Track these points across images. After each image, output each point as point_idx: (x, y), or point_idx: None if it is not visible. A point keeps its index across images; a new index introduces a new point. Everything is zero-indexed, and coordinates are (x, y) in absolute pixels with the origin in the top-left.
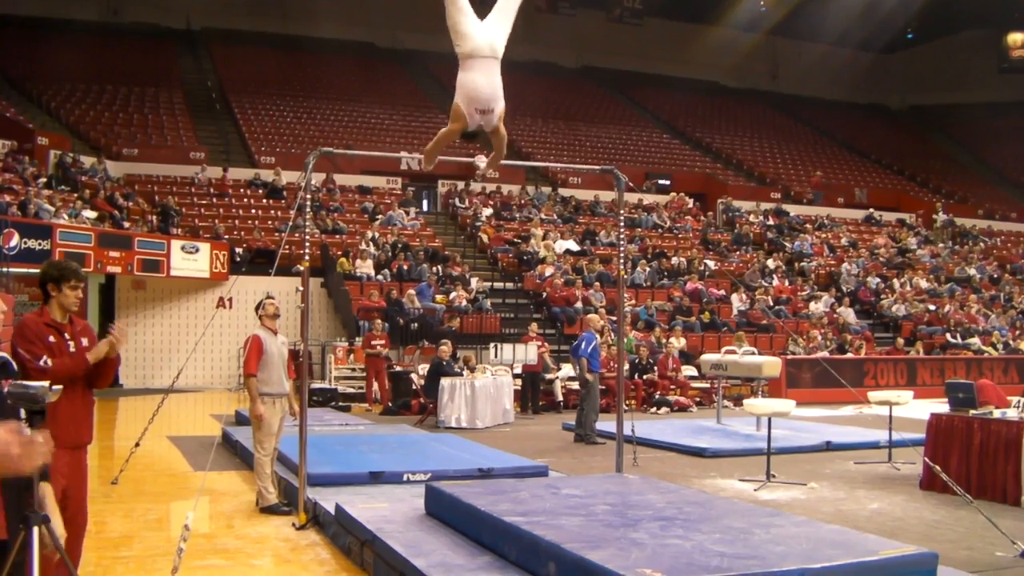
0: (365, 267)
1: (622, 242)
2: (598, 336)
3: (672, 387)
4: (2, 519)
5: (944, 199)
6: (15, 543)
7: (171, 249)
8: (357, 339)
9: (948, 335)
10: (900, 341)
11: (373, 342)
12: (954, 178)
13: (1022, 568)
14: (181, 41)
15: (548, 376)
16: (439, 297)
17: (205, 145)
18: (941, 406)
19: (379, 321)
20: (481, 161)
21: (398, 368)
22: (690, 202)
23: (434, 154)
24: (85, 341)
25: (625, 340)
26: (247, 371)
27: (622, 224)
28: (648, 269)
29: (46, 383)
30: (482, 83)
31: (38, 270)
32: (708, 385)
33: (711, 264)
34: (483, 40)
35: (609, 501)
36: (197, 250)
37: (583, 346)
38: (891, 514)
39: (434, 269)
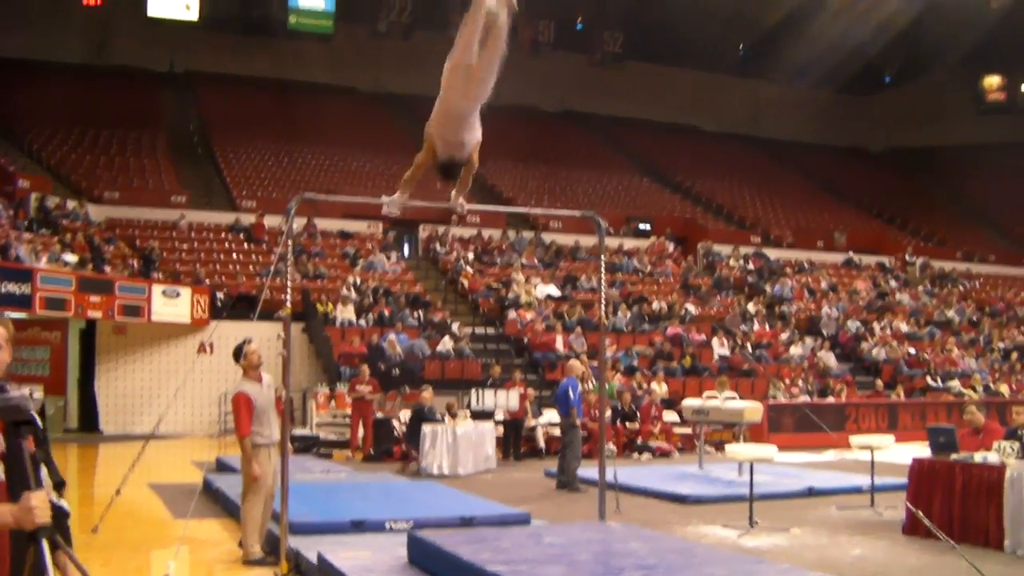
0: (346, 312)
1: (603, 288)
2: (580, 382)
3: (654, 433)
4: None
5: (920, 242)
6: None
7: (152, 294)
8: (338, 385)
9: (929, 378)
10: (879, 383)
11: (359, 387)
12: (934, 220)
13: None
14: (164, 83)
15: (530, 423)
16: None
17: (187, 189)
18: (923, 450)
19: (365, 366)
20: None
21: (380, 415)
22: (670, 246)
23: (410, 184)
24: None
25: (607, 386)
26: (241, 433)
27: (603, 269)
28: (629, 314)
29: (25, 390)
30: (453, 125)
31: (17, 314)
32: (690, 430)
33: (692, 309)
34: (469, 96)
35: (592, 550)
36: (178, 295)
37: (571, 394)
38: (874, 560)
39: (415, 314)
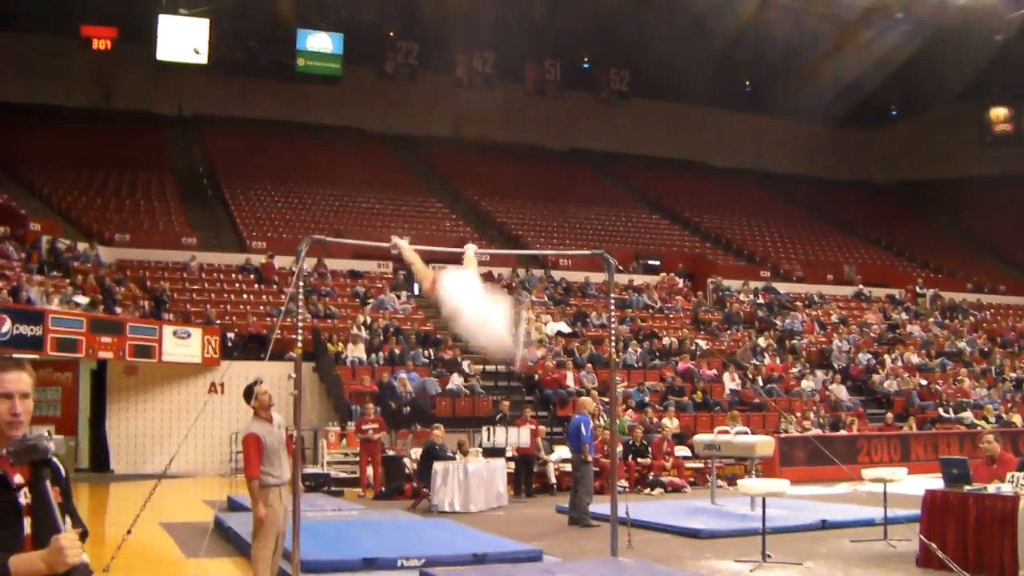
0: (357, 351)
1: (613, 324)
2: (591, 419)
3: (666, 468)
4: None
5: (930, 273)
6: None
7: (163, 335)
8: (349, 423)
9: (941, 409)
10: (889, 416)
11: (365, 426)
12: (942, 252)
13: None
14: (172, 127)
15: (542, 458)
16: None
17: (196, 230)
18: (936, 481)
19: (371, 405)
20: (469, 250)
21: (391, 452)
22: (680, 282)
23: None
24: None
25: (618, 421)
26: (250, 474)
27: (612, 306)
28: (640, 350)
29: (43, 431)
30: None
31: (29, 355)
32: (702, 465)
33: (702, 344)
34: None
35: None
36: (189, 335)
37: (583, 430)
38: None
39: (426, 353)
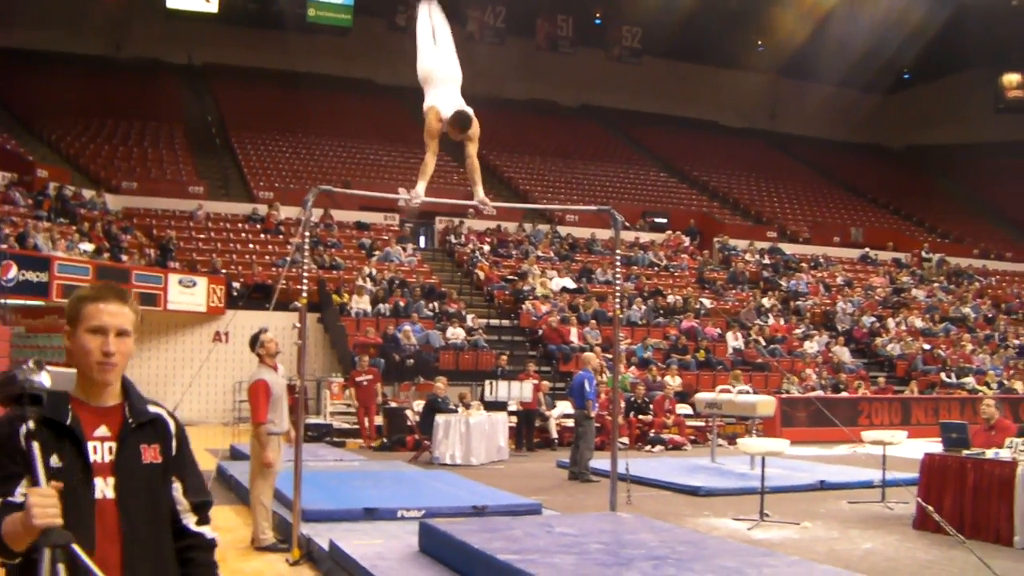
0: (362, 303)
1: (618, 281)
2: (595, 375)
3: (668, 426)
4: None
5: (937, 238)
6: None
7: (168, 283)
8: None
9: (943, 374)
10: (882, 381)
11: (358, 378)
12: (951, 217)
13: None
14: (182, 76)
15: (544, 412)
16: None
17: (204, 180)
18: (935, 445)
19: (365, 358)
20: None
21: (393, 404)
22: (687, 240)
23: (426, 172)
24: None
25: (620, 378)
26: (258, 419)
27: (618, 263)
28: (644, 307)
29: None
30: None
31: (35, 302)
32: (703, 423)
33: (707, 302)
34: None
35: (602, 540)
36: (194, 284)
37: (587, 386)
38: (884, 554)
39: (430, 306)
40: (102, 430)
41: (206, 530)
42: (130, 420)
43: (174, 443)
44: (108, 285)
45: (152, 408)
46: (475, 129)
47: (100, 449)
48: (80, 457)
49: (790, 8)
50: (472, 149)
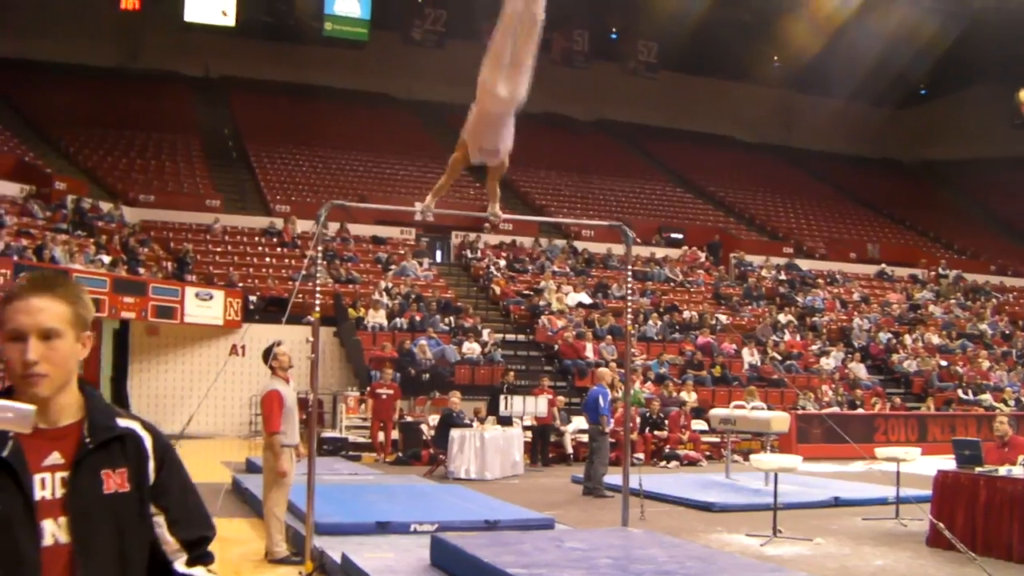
0: (378, 317)
1: (630, 296)
2: (609, 390)
3: (683, 441)
4: None
5: (954, 254)
6: None
7: (185, 296)
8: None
9: (960, 391)
10: (896, 400)
11: (379, 391)
12: (966, 233)
13: None
14: (199, 88)
15: (559, 428)
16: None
17: (221, 192)
18: (950, 462)
19: (389, 370)
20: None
21: (408, 418)
22: (703, 256)
23: (442, 191)
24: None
25: (633, 393)
26: (271, 429)
27: (630, 278)
28: (660, 323)
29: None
30: (489, 130)
31: None
32: (718, 439)
33: (723, 318)
34: (507, 92)
35: (612, 555)
36: (211, 297)
37: (601, 402)
38: (896, 571)
39: (446, 320)
40: (54, 457)
41: (199, 572)
42: (87, 440)
43: (151, 465)
44: (33, 276)
45: (123, 422)
46: (505, 164)
47: (49, 482)
48: (20, 494)
49: (805, 22)
50: (496, 174)
